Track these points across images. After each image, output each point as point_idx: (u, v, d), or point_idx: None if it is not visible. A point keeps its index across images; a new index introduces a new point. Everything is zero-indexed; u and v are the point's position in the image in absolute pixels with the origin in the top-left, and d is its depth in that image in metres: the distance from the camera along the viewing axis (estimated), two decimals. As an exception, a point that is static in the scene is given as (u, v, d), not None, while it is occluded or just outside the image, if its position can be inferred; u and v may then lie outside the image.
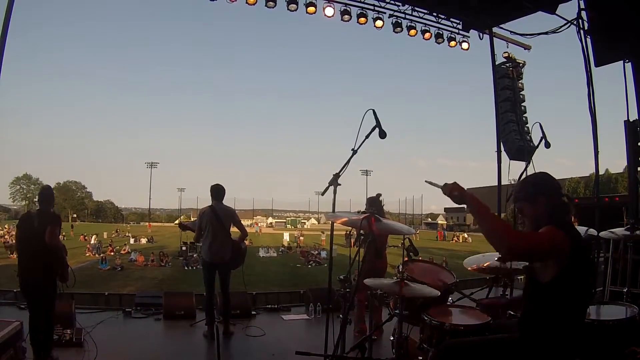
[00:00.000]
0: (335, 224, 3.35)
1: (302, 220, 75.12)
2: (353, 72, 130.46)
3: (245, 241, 5.74)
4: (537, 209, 2.24)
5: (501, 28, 8.57)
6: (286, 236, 36.94)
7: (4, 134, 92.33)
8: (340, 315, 3.03)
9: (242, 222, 5.82)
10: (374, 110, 3.00)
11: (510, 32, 8.50)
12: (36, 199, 4.37)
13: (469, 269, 3.56)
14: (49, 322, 4.08)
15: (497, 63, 9.41)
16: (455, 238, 42.70)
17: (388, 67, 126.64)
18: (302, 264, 22.27)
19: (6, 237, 26.93)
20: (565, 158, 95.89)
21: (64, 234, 35.20)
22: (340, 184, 2.97)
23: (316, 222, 72.50)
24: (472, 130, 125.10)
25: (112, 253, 23.63)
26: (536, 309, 2.19)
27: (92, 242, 26.94)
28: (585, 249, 2.24)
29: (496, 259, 3.37)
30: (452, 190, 2.21)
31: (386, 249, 5.26)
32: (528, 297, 2.30)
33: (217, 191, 5.47)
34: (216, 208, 5.38)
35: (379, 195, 5.20)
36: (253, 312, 6.30)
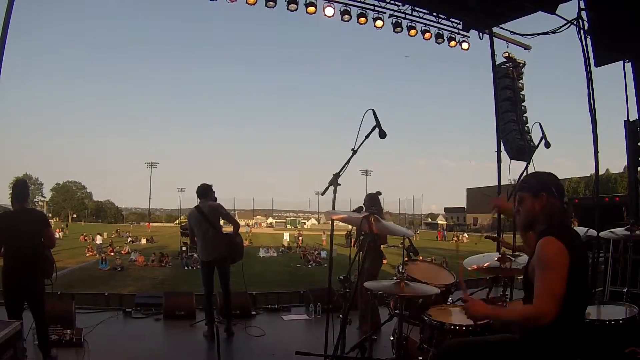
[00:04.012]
0: (335, 222, 3.35)
1: (302, 221, 75.08)
2: (353, 72, 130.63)
3: (245, 241, 5.73)
4: (536, 205, 2.25)
5: (501, 28, 8.55)
6: (286, 236, 36.94)
7: (4, 134, 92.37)
8: (340, 315, 3.02)
9: (240, 221, 5.80)
10: (373, 110, 3.00)
11: (510, 32, 8.50)
12: (11, 195, 4.10)
13: (469, 269, 3.56)
14: (42, 323, 4.05)
15: (497, 63, 9.39)
16: (455, 238, 42.66)
17: (388, 67, 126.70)
18: (302, 264, 22.29)
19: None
20: (565, 158, 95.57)
21: (62, 234, 35.30)
22: (340, 184, 2.98)
23: (316, 222, 72.42)
24: (472, 130, 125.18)
25: (112, 253, 23.63)
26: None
27: (98, 241, 26.83)
28: (582, 249, 2.24)
29: (496, 258, 3.37)
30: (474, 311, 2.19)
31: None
32: (527, 298, 2.30)
33: (202, 190, 5.45)
34: (201, 206, 5.37)
35: (378, 192, 5.17)
36: (253, 312, 6.30)
